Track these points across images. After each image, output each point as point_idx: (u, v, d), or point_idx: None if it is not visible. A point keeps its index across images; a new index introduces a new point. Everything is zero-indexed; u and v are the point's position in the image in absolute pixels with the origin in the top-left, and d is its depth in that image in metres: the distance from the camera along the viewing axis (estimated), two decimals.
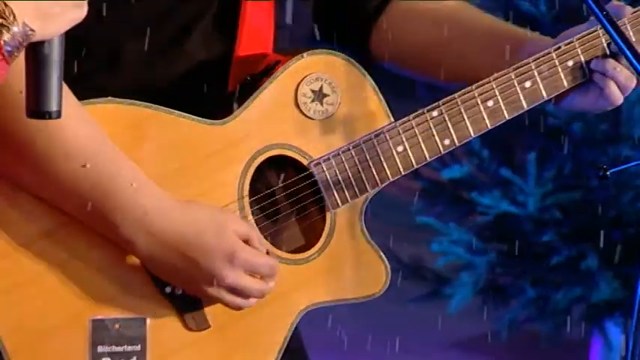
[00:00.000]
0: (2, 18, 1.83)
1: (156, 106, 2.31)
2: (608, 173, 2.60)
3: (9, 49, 1.84)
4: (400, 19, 2.53)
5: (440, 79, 2.48)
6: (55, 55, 1.91)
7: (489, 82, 2.41)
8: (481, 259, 4.83)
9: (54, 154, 2.21)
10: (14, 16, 1.83)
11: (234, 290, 2.29)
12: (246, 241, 2.31)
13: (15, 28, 1.83)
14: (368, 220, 2.43)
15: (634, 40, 2.42)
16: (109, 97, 2.28)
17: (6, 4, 1.83)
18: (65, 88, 2.12)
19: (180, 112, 2.32)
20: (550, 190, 4.76)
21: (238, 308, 2.31)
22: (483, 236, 4.87)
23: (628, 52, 2.30)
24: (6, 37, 1.83)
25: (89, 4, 2.01)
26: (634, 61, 2.29)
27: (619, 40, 2.31)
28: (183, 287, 2.31)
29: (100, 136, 2.25)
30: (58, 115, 1.92)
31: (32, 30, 1.85)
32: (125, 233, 2.26)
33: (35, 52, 1.90)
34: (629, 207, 4.73)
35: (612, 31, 2.31)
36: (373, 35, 2.53)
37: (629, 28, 2.46)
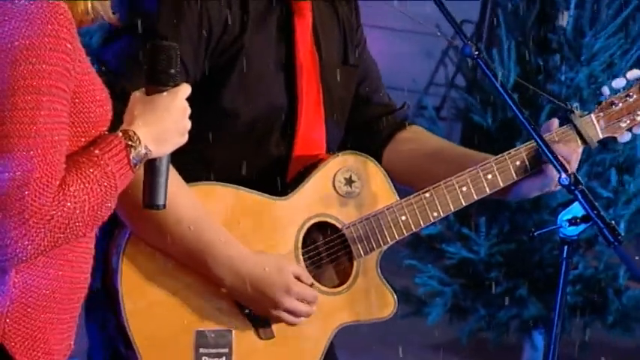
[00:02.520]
0: (132, 141, 1.79)
1: (238, 186, 2.28)
2: (535, 234, 2.62)
3: (134, 162, 1.80)
4: (396, 152, 2.50)
5: (418, 188, 2.41)
6: (164, 166, 1.87)
7: (464, 175, 2.37)
8: (449, 289, 4.76)
9: (170, 221, 2.18)
10: (139, 141, 1.80)
11: (290, 312, 2.27)
12: (298, 278, 2.28)
13: (139, 149, 1.80)
14: None
15: (565, 148, 2.37)
16: (205, 181, 2.27)
17: (134, 132, 1.79)
18: (177, 174, 2.13)
19: (255, 191, 2.29)
20: (495, 243, 4.68)
21: (293, 324, 2.28)
22: (450, 273, 4.79)
23: (550, 156, 2.28)
24: (133, 154, 1.80)
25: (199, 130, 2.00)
26: (554, 162, 2.28)
27: (544, 147, 2.29)
28: (256, 310, 2.27)
29: (199, 207, 2.23)
30: (164, 207, 1.88)
31: (150, 150, 1.81)
32: (217, 273, 2.24)
33: (150, 164, 1.85)
34: (548, 254, 4.65)
35: (540, 141, 2.29)
36: (383, 158, 2.48)
37: (557, 139, 2.40)
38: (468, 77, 5.22)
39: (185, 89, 1.87)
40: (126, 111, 1.84)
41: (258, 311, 2.29)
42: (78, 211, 1.73)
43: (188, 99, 1.89)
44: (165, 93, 1.84)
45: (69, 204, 1.72)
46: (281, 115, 2.33)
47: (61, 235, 1.72)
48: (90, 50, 1.88)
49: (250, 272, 2.25)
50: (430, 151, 2.50)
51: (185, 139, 1.86)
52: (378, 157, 2.47)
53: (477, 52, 2.27)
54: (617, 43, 4.73)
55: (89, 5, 1.78)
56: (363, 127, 2.52)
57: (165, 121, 1.83)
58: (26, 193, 1.68)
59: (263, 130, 2.32)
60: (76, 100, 1.76)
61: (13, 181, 1.68)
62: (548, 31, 4.81)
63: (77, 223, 1.74)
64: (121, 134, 1.80)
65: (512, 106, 2.30)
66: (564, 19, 4.73)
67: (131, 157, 1.79)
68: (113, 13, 1.84)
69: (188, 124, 1.87)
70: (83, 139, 1.79)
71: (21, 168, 1.68)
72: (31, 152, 1.69)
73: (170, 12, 2.19)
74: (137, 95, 1.85)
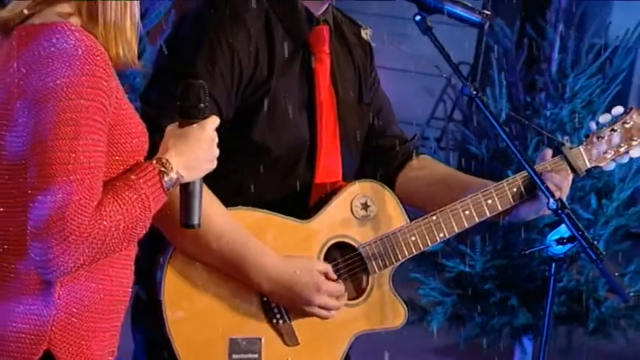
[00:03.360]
0: (165, 168, 1.78)
1: (267, 210, 2.27)
2: (526, 252, 2.61)
3: (167, 186, 1.79)
4: (408, 179, 2.48)
5: (426, 210, 2.40)
6: (197, 189, 1.86)
7: (466, 200, 2.36)
8: (448, 299, 4.73)
9: (211, 237, 2.18)
10: (172, 167, 1.79)
11: (322, 307, 2.25)
12: (325, 275, 2.26)
13: (172, 174, 1.79)
14: None
15: (557, 176, 2.36)
16: (240, 206, 2.26)
17: (167, 160, 1.78)
18: (213, 196, 2.14)
19: (282, 215, 2.28)
20: (489, 258, 4.66)
21: (326, 317, 2.27)
22: (450, 285, 4.76)
23: (540, 184, 2.27)
24: (166, 179, 1.79)
25: (231, 159, 1.98)
26: (544, 190, 2.27)
27: (534, 175, 2.28)
28: (291, 308, 2.27)
29: (235, 224, 2.22)
30: (199, 226, 1.88)
31: (182, 176, 1.81)
32: (254, 280, 2.22)
33: (185, 188, 1.84)
34: (536, 269, 4.61)
35: (530, 171, 2.29)
36: (395, 189, 2.46)
37: (549, 169, 2.38)
38: (465, 112, 5.23)
39: (213, 121, 1.86)
40: (161, 142, 1.84)
41: (294, 310, 2.27)
42: (114, 229, 1.72)
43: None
44: (195, 125, 1.84)
45: (105, 223, 1.71)
46: (304, 147, 2.32)
47: (98, 251, 1.72)
48: (134, 89, 1.89)
49: (283, 276, 2.23)
50: (437, 177, 2.47)
51: (214, 165, 1.85)
52: (391, 183, 2.45)
53: (475, 92, 2.26)
54: (595, 84, 4.72)
55: (120, 51, 1.78)
56: (378, 156, 2.50)
57: (196, 150, 1.82)
58: (66, 213, 1.68)
59: (289, 161, 2.31)
60: (114, 132, 1.76)
61: (55, 202, 1.67)
62: (535, 72, 4.81)
63: (113, 240, 1.73)
64: (155, 162, 1.79)
65: (506, 139, 2.29)
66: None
67: (164, 182, 1.78)
68: (139, 59, 1.85)
69: (216, 152, 1.86)
70: (121, 167, 1.78)
71: (61, 191, 1.68)
72: (71, 177, 1.68)
73: (205, 59, 2.19)
74: (171, 128, 1.86)
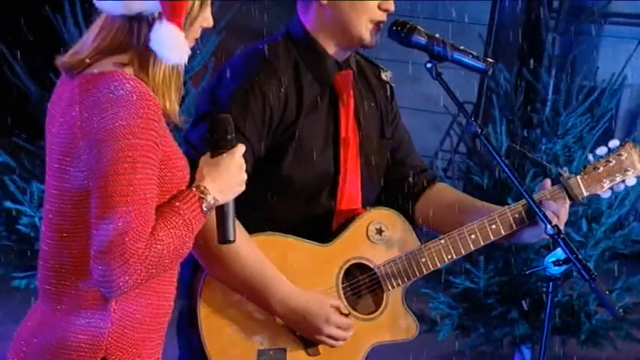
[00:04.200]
0: (203, 194, 1.79)
1: (293, 236, 2.25)
2: (527, 272, 2.58)
3: (206, 210, 1.80)
4: (426, 204, 2.45)
5: (442, 232, 2.38)
6: (230, 209, 1.86)
7: (472, 225, 2.33)
8: (455, 312, 4.70)
9: (237, 268, 2.17)
10: (209, 193, 1.80)
11: (330, 337, 2.23)
12: (337, 309, 2.24)
13: (209, 199, 1.80)
14: None
15: (555, 204, 2.33)
16: (268, 231, 2.24)
17: (204, 187, 1.79)
18: (243, 230, 2.11)
19: (306, 239, 2.27)
20: (491, 276, 4.63)
21: (332, 346, 2.25)
22: (456, 300, 4.73)
23: (538, 212, 2.23)
24: (205, 203, 1.80)
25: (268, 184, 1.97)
26: (542, 217, 2.24)
27: (532, 204, 2.24)
28: (303, 334, 2.25)
29: (259, 255, 2.20)
30: (234, 241, 1.87)
31: (217, 199, 1.81)
32: (273, 307, 2.21)
33: (219, 209, 1.85)
34: (534, 285, 4.59)
35: (529, 199, 2.25)
36: (415, 212, 2.44)
37: (548, 197, 2.36)
38: (469, 146, 5.21)
39: (239, 149, 1.87)
40: (197, 170, 1.85)
41: (305, 335, 2.26)
42: (165, 251, 1.74)
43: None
44: (224, 154, 1.85)
45: (158, 246, 1.73)
46: (328, 179, 2.31)
47: (153, 271, 1.74)
48: (178, 128, 1.91)
49: (298, 305, 2.21)
50: (449, 202, 2.44)
51: (243, 187, 1.86)
52: (411, 209, 2.43)
53: (479, 130, 2.24)
54: (585, 121, 4.72)
55: (166, 106, 1.81)
56: (400, 184, 2.48)
57: (226, 175, 1.83)
58: (126, 239, 1.70)
59: (313, 191, 2.30)
60: (162, 167, 1.78)
61: (116, 230, 1.70)
62: (531, 111, 4.80)
63: (165, 260, 1.75)
64: (194, 189, 1.81)
65: (507, 170, 2.25)
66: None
67: (203, 206, 1.79)
68: (182, 101, 1.88)
69: (244, 176, 1.86)
70: (167, 196, 1.80)
71: (122, 220, 1.70)
72: (129, 207, 1.71)
73: (239, 106, 2.19)
74: (204, 158, 1.87)
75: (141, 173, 1.72)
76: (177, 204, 1.77)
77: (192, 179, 1.85)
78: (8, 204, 4.67)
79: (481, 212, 2.37)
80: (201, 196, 1.79)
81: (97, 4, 1.79)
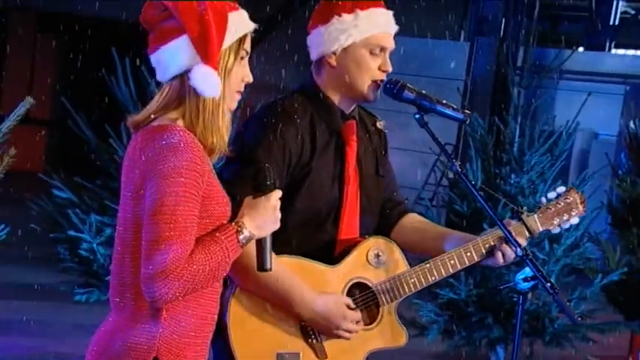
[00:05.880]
0: (240, 228, 1.79)
1: (304, 257, 2.24)
2: (501, 287, 2.55)
3: (242, 242, 1.79)
4: (401, 230, 2.44)
5: (415, 253, 2.38)
6: (267, 243, 1.85)
7: (452, 252, 2.32)
8: (441, 319, 4.67)
9: (271, 280, 2.16)
10: (246, 228, 1.80)
11: (346, 330, 2.21)
12: (348, 306, 2.23)
13: (245, 233, 1.80)
14: None
15: (518, 236, 2.30)
16: (285, 254, 2.21)
17: (243, 222, 1.79)
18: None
19: (315, 261, 2.25)
20: (471, 288, 4.60)
21: (348, 338, 2.23)
22: (442, 308, 4.69)
23: (510, 237, 2.23)
24: (241, 236, 1.79)
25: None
26: (513, 242, 2.23)
27: (505, 231, 2.23)
28: (324, 332, 2.21)
29: (285, 268, 2.19)
30: (271, 269, 1.86)
31: (254, 234, 1.81)
32: (297, 310, 2.19)
33: (258, 242, 1.84)
34: (506, 296, 4.53)
35: (502, 227, 2.24)
36: (392, 234, 2.43)
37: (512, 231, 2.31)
38: (450, 180, 5.20)
39: (276, 194, 1.88)
40: (240, 209, 1.86)
41: (326, 333, 2.22)
42: (200, 272, 1.74)
43: None
44: (263, 197, 1.86)
45: (195, 266, 1.74)
46: (333, 210, 2.29)
47: (190, 287, 1.75)
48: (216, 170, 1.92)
49: (318, 307, 2.20)
50: (417, 228, 2.44)
51: (277, 225, 1.87)
52: (388, 235, 2.40)
53: (459, 168, 2.23)
54: (546, 160, 4.73)
55: (215, 141, 1.83)
56: (382, 215, 2.47)
57: (263, 214, 1.83)
58: (168, 259, 1.72)
59: (321, 220, 2.28)
60: (205, 202, 1.78)
61: (159, 251, 1.73)
62: (501, 151, 4.81)
63: (200, 279, 1.75)
64: (234, 223, 1.81)
65: (482, 202, 2.24)
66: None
67: (240, 239, 1.80)
68: (228, 147, 1.89)
69: (279, 215, 1.86)
70: (210, 227, 1.80)
71: (165, 243, 1.73)
72: (172, 233, 1.73)
73: (264, 148, 2.20)
74: (247, 199, 1.87)
75: (183, 206, 1.73)
76: (217, 234, 1.78)
77: (233, 211, 1.85)
78: (71, 232, 4.75)
79: (448, 237, 2.36)
80: (239, 229, 1.79)
81: (158, 77, 1.83)
